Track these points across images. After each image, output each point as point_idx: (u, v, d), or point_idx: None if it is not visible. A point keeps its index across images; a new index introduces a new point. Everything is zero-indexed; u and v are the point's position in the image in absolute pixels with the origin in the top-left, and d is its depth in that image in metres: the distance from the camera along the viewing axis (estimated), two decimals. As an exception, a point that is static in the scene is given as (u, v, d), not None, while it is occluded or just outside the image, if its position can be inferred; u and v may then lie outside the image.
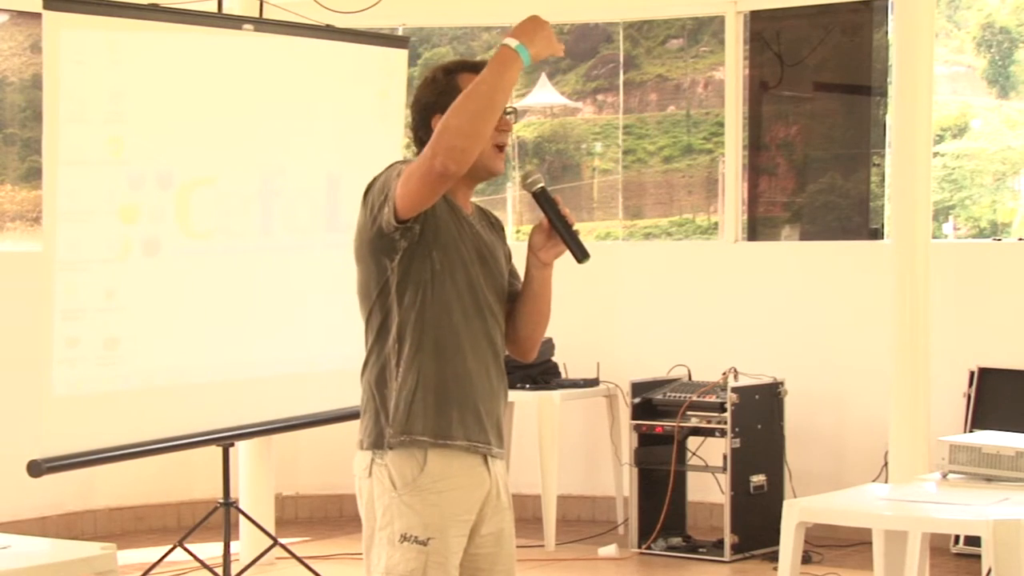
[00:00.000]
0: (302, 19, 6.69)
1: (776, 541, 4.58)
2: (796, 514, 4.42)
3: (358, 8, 7.07)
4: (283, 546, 6.59)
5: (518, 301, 3.52)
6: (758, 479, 7.25)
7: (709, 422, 7.20)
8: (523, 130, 9.24)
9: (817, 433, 7.77)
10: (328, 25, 6.63)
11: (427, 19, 8.85)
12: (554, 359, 7.83)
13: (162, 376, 5.89)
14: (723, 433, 7.15)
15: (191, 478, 7.82)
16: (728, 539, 7.14)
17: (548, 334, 3.66)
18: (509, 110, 3.42)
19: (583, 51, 9.31)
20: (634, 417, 7.41)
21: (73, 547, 4.27)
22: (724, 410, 7.14)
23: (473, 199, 3.53)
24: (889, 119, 7.42)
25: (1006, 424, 6.25)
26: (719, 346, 7.86)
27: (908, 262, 6.37)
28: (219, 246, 6.11)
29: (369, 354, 3.43)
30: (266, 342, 6.32)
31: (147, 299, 5.83)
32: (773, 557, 6.60)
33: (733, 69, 8.28)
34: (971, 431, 6.99)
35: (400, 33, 8.26)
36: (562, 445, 7.68)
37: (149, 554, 6.82)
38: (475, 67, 3.43)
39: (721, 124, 8.47)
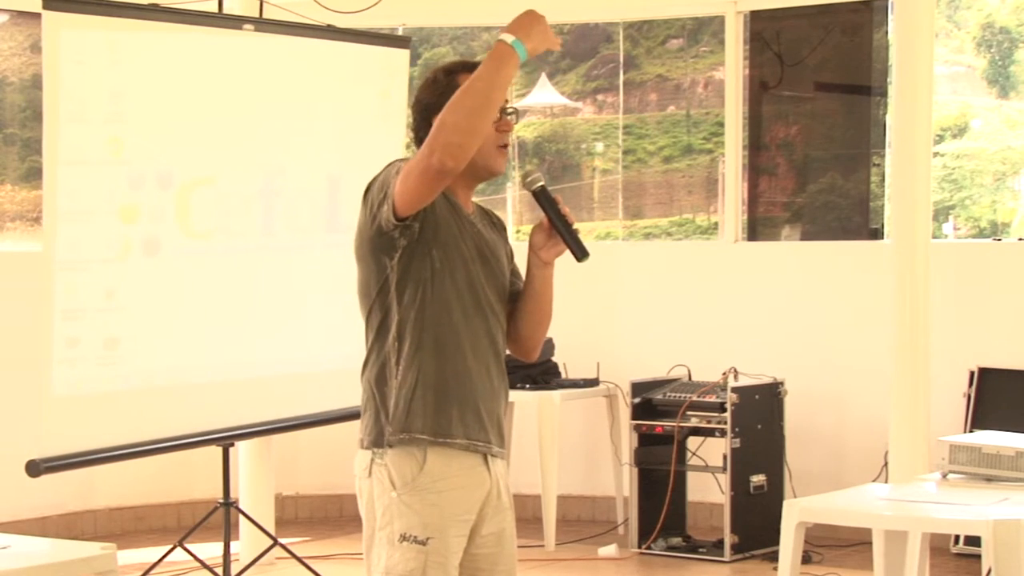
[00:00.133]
0: (302, 19, 6.69)
1: (776, 541, 4.58)
2: (796, 514, 4.42)
3: (358, 8, 7.06)
4: (283, 546, 6.59)
5: (520, 300, 3.52)
6: (758, 479, 7.25)
7: (709, 422, 7.20)
8: (523, 130, 9.24)
9: (817, 433, 7.77)
10: (329, 25, 6.63)
11: (427, 19, 8.85)
12: (554, 359, 7.83)
13: (162, 376, 5.89)
14: (723, 433, 7.15)
15: (191, 478, 7.82)
16: (728, 539, 7.14)
17: (548, 334, 3.66)
18: (510, 110, 3.43)
19: (583, 51, 9.31)
20: (634, 417, 7.41)
21: (73, 547, 4.27)
22: (724, 410, 7.14)
23: (473, 199, 3.53)
24: (889, 119, 7.42)
25: (1006, 424, 6.25)
26: (719, 346, 7.86)
27: (908, 262, 6.37)
28: (219, 246, 6.11)
29: (369, 353, 3.43)
30: (266, 342, 6.32)
31: (147, 299, 5.83)
32: (773, 557, 6.60)
33: (733, 69, 8.28)
34: (971, 431, 6.99)
35: (400, 33, 8.26)
36: (562, 445, 7.68)
37: (149, 554, 6.82)
38: (475, 68, 3.43)
39: (721, 124, 8.47)
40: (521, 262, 3.53)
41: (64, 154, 5.50)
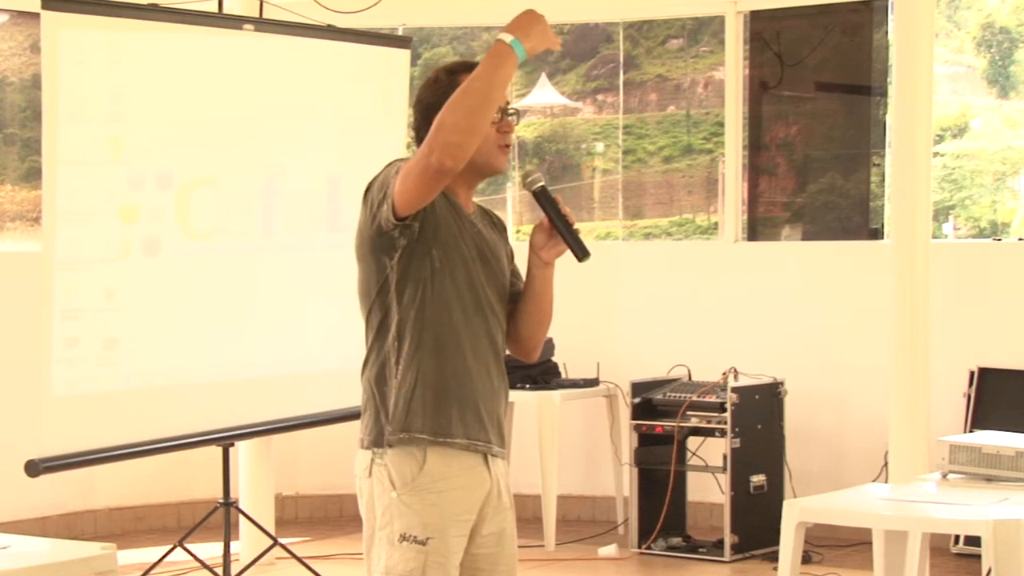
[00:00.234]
0: (302, 19, 6.69)
1: (776, 541, 4.58)
2: (796, 514, 4.42)
3: (358, 8, 7.06)
4: (283, 546, 6.59)
5: (520, 301, 3.52)
6: (758, 479, 7.25)
7: (709, 422, 7.20)
8: (523, 130, 9.23)
9: (817, 433, 7.77)
10: (330, 25, 6.63)
11: (427, 19, 8.85)
12: (554, 359, 7.83)
13: (162, 376, 5.88)
14: (723, 433, 7.15)
15: (191, 478, 7.82)
16: (728, 539, 7.14)
17: (548, 334, 3.66)
18: (511, 111, 3.43)
19: (583, 51, 9.31)
20: (634, 417, 7.41)
21: (73, 547, 4.27)
22: (724, 410, 7.14)
23: (474, 199, 3.53)
24: (889, 119, 7.42)
25: (1006, 424, 6.25)
26: (719, 346, 7.86)
27: (908, 262, 6.37)
28: (219, 246, 6.10)
29: (369, 352, 3.43)
30: (266, 342, 6.31)
31: (147, 299, 5.83)
32: (773, 557, 6.60)
33: (733, 69, 8.28)
34: (971, 431, 6.99)
35: (400, 33, 8.26)
36: (562, 445, 7.68)
37: (149, 554, 6.82)
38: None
39: (721, 124, 8.47)
40: (521, 262, 3.53)
41: (64, 154, 5.50)
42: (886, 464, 6.74)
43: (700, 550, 7.31)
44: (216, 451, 6.31)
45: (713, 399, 7.22)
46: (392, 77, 6.77)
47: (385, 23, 8.03)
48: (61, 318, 5.53)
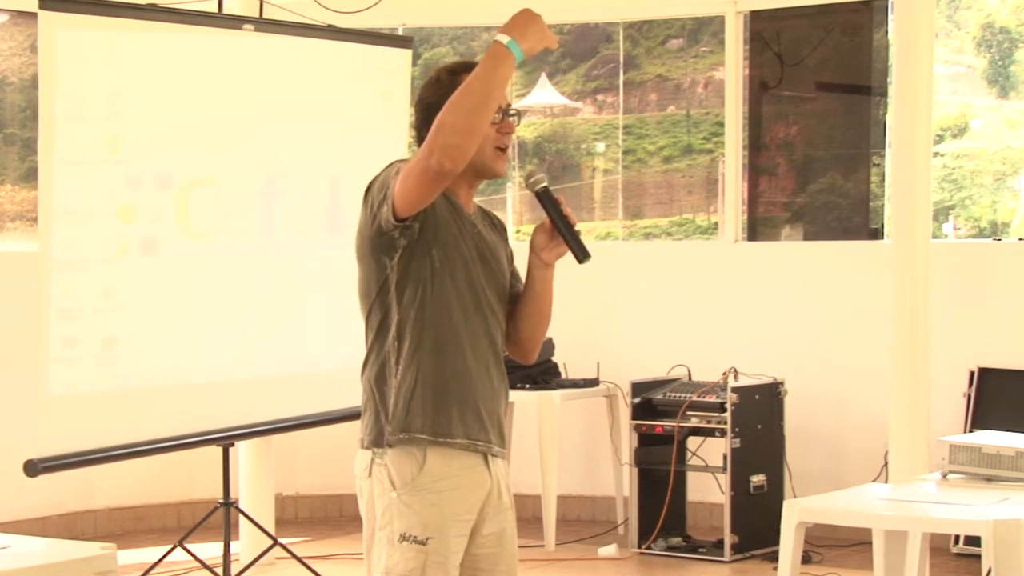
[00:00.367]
0: (302, 19, 6.68)
1: (776, 541, 4.58)
2: (796, 514, 4.42)
3: (358, 8, 7.06)
4: (283, 546, 6.59)
5: (519, 302, 3.52)
6: (758, 479, 7.25)
7: (709, 422, 7.20)
8: (523, 130, 9.23)
9: (817, 433, 7.77)
10: (330, 25, 6.62)
11: (427, 19, 8.85)
12: (554, 359, 7.83)
13: (161, 376, 5.88)
14: (723, 433, 7.14)
15: (191, 478, 7.82)
16: (728, 539, 7.14)
17: (548, 334, 3.66)
18: (512, 112, 3.43)
19: (583, 51, 9.31)
20: (634, 417, 7.41)
21: (73, 547, 4.27)
22: (724, 410, 7.14)
23: (474, 199, 3.53)
24: (889, 119, 7.42)
25: (1006, 424, 6.25)
26: (719, 346, 7.86)
27: (908, 262, 6.37)
28: (219, 246, 6.10)
29: (369, 352, 3.43)
30: (266, 342, 6.31)
31: (146, 299, 5.82)
32: (773, 557, 6.60)
33: (733, 69, 8.28)
34: (971, 431, 6.99)
35: (400, 33, 8.26)
36: (562, 445, 7.68)
37: (149, 554, 6.82)
38: (477, 68, 3.43)
39: (721, 124, 8.47)
40: (521, 263, 3.53)
41: (62, 153, 5.49)
42: (886, 464, 6.74)
43: (700, 550, 7.31)
44: (216, 451, 6.31)
45: (713, 399, 7.22)
46: (393, 77, 6.76)
47: (385, 23, 8.03)
48: (58, 318, 5.53)
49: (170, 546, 6.38)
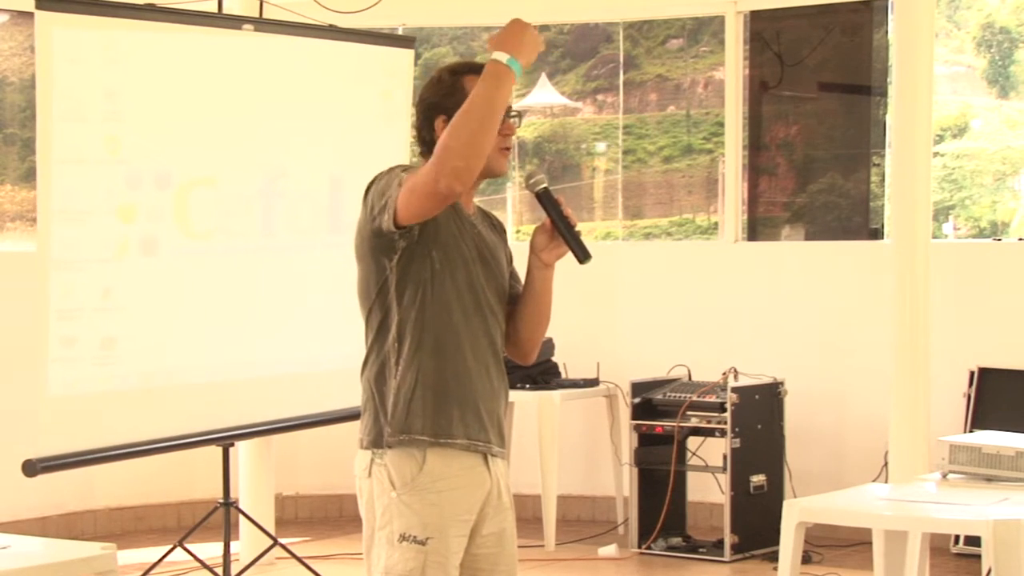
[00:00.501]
0: (302, 19, 6.68)
1: (776, 541, 4.57)
2: (796, 514, 4.42)
3: (358, 8, 7.06)
4: (283, 546, 6.59)
5: (519, 303, 3.52)
6: (758, 479, 7.25)
7: (709, 422, 7.20)
8: (523, 130, 9.23)
9: (817, 433, 7.76)
10: (331, 25, 6.62)
11: (427, 19, 8.84)
12: (554, 359, 7.83)
13: (161, 376, 5.88)
14: (723, 433, 7.14)
15: (191, 478, 7.82)
16: (728, 539, 7.14)
17: (548, 334, 3.66)
18: (513, 113, 3.43)
19: (583, 51, 9.31)
20: (634, 417, 7.41)
21: (73, 547, 4.27)
22: (724, 410, 7.14)
23: (475, 199, 3.53)
24: (889, 119, 7.41)
25: (1006, 424, 6.24)
26: (719, 346, 7.86)
27: (908, 262, 6.37)
28: (219, 246, 6.10)
29: (369, 352, 3.43)
30: (266, 342, 6.31)
31: (145, 299, 5.82)
32: (773, 557, 6.60)
33: (733, 69, 8.28)
34: (971, 431, 6.99)
35: (400, 33, 8.26)
36: (562, 445, 7.68)
37: (149, 554, 6.82)
38: (480, 69, 3.43)
39: (721, 124, 8.47)
40: (521, 264, 3.53)
41: (60, 153, 5.48)
42: (886, 464, 6.74)
43: (700, 550, 7.31)
44: (216, 451, 6.31)
45: (713, 399, 7.22)
46: (394, 77, 6.76)
47: (385, 23, 8.03)
48: (57, 318, 5.52)
49: (170, 546, 6.38)
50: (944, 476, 4.76)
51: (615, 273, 8.28)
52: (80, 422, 5.60)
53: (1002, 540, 4.07)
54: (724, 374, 7.35)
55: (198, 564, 6.43)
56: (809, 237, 8.37)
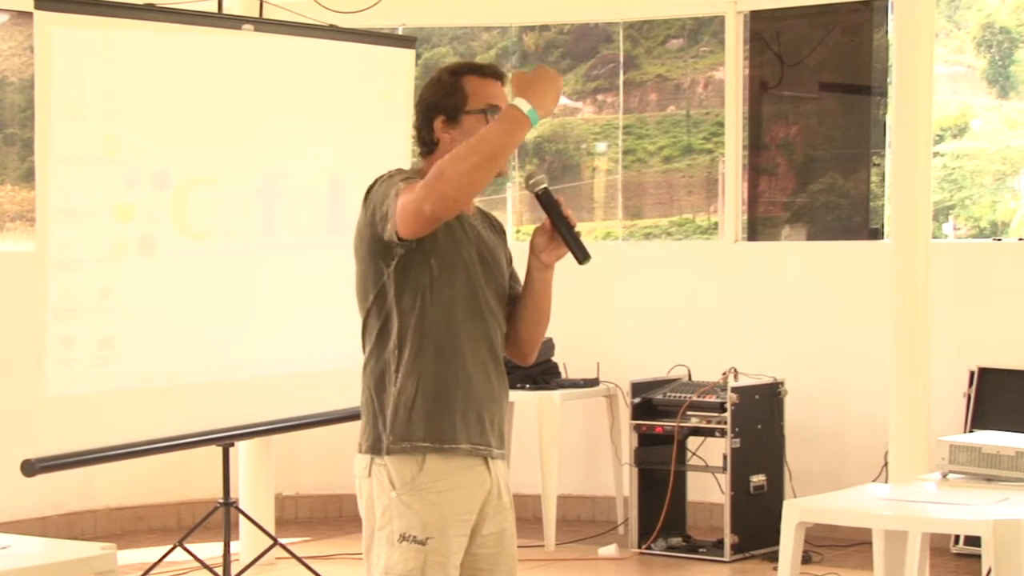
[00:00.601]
0: (302, 19, 6.68)
1: (776, 541, 4.57)
2: (796, 514, 4.42)
3: (358, 8, 7.06)
4: (283, 546, 6.59)
5: (519, 303, 3.52)
6: (758, 479, 7.25)
7: (709, 422, 7.20)
8: (523, 130, 9.21)
9: (817, 433, 7.76)
10: (331, 25, 6.62)
11: (427, 19, 8.84)
12: (554, 359, 7.83)
13: (160, 376, 5.87)
14: (723, 433, 7.14)
15: (191, 478, 7.82)
16: (728, 539, 7.14)
17: (548, 334, 3.66)
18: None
19: (583, 51, 9.31)
20: (634, 417, 7.41)
21: (73, 547, 4.27)
22: (724, 410, 7.13)
23: (475, 200, 3.53)
24: (889, 119, 7.41)
25: (1006, 424, 6.25)
26: (719, 346, 7.86)
27: (908, 262, 6.37)
28: (218, 246, 6.09)
29: (369, 356, 3.43)
30: (266, 342, 6.31)
31: (144, 298, 5.81)
32: (773, 557, 6.59)
33: (733, 69, 8.28)
34: (971, 431, 6.99)
35: (400, 33, 8.25)
36: (562, 445, 7.67)
37: (149, 554, 6.82)
38: (481, 70, 3.43)
39: (721, 124, 8.47)
40: (521, 264, 3.53)
41: (59, 152, 5.48)
42: (886, 464, 6.74)
43: (700, 550, 7.31)
44: (216, 451, 6.31)
45: (713, 399, 7.22)
46: (395, 77, 6.75)
47: (385, 23, 8.03)
48: (56, 318, 5.51)
49: (170, 546, 6.38)
50: (944, 476, 4.76)
51: (615, 273, 8.28)
52: (79, 422, 5.59)
53: (1002, 540, 4.07)
54: (724, 374, 7.35)
55: (198, 564, 6.43)
56: (809, 237, 8.37)
